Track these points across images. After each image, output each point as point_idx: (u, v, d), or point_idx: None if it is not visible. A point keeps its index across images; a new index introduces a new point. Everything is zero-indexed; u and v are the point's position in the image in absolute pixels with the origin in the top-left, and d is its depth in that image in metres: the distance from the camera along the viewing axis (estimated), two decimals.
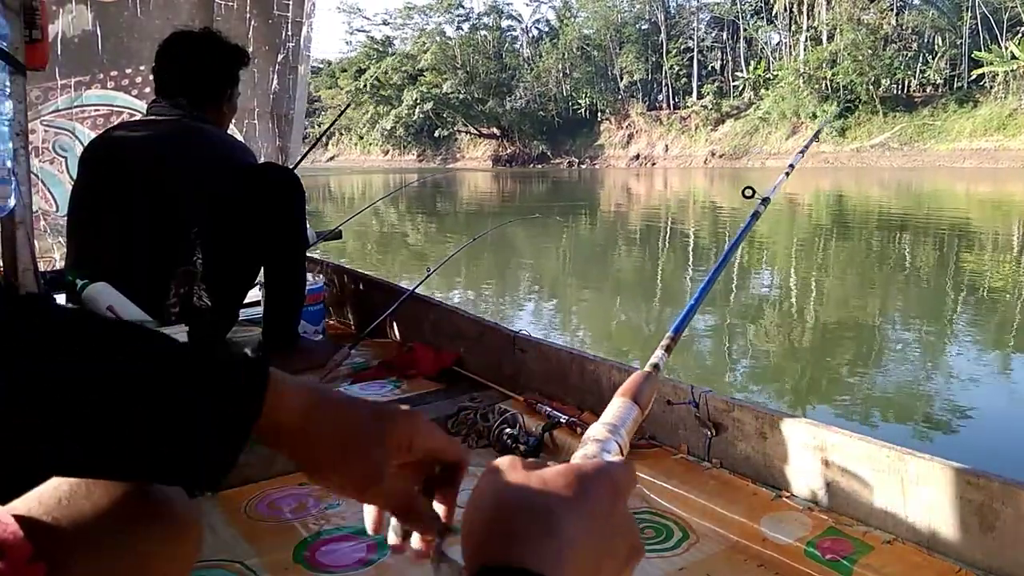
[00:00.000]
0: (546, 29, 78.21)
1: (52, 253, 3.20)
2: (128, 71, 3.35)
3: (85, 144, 2.53)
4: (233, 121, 2.65)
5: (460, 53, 74.35)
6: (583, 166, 66.15)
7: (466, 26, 78.43)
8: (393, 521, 0.63)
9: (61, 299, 2.03)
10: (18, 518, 0.65)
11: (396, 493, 0.62)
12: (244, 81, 2.49)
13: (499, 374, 2.23)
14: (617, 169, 59.77)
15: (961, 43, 53.04)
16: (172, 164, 2.18)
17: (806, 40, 57.59)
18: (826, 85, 53.60)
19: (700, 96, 64.83)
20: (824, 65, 53.36)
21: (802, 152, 1.86)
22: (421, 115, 73.80)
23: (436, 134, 76.47)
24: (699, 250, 11.80)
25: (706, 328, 6.75)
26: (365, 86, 73.55)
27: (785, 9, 60.06)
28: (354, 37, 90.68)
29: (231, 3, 3.46)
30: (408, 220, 18.39)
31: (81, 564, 0.66)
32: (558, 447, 1.86)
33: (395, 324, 2.81)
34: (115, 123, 3.16)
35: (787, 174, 1.67)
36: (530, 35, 79.09)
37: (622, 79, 69.33)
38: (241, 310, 2.53)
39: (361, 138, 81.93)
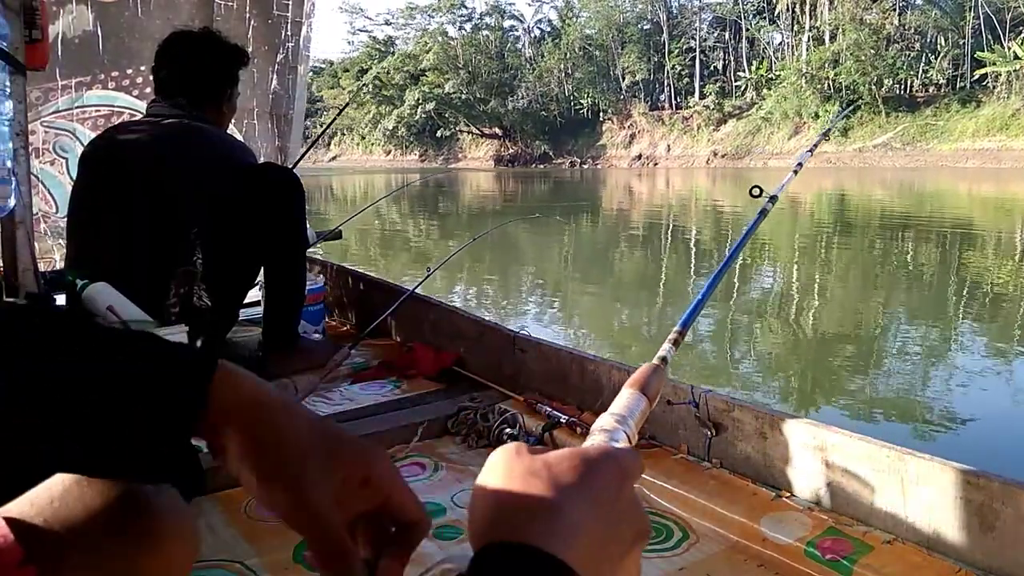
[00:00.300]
0: (548, 29, 78.26)
1: (52, 254, 3.20)
2: (129, 71, 3.34)
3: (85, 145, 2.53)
4: (233, 121, 2.65)
5: (462, 53, 74.39)
6: (585, 166, 66.14)
7: (468, 26, 78.53)
8: None
9: (61, 299, 2.03)
10: (9, 521, 0.63)
11: (323, 525, 0.55)
12: (244, 81, 2.48)
13: (499, 374, 2.23)
14: (619, 169, 59.76)
15: (964, 43, 52.97)
16: (172, 164, 2.18)
17: (808, 40, 57.57)
18: (828, 85, 53.56)
19: (702, 96, 64.83)
20: (826, 65, 53.33)
21: (811, 151, 1.86)
22: (423, 115, 73.84)
23: (438, 134, 76.50)
24: (701, 250, 11.79)
25: (708, 328, 6.74)
26: (367, 86, 73.54)
27: (787, 9, 60.04)
28: (356, 37, 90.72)
29: (231, 3, 3.46)
30: (410, 220, 18.40)
31: (73, 568, 0.65)
32: (558, 447, 1.85)
33: (395, 324, 2.81)
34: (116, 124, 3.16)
35: (795, 172, 1.67)
36: (532, 35, 79.15)
37: (624, 79, 69.31)
38: (241, 310, 2.53)
39: (363, 138, 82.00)
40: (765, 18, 65.58)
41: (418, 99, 72.33)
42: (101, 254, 2.14)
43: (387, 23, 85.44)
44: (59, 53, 3.11)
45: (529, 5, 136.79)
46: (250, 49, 3.41)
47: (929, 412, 4.40)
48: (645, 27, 70.18)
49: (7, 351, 0.59)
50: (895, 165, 45.52)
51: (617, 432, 0.59)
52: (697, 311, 0.99)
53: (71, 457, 0.63)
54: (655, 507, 1.59)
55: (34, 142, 3.07)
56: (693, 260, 10.93)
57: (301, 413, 0.59)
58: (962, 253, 10.96)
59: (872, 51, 51.81)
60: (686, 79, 67.89)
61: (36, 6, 2.00)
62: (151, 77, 2.37)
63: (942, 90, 52.71)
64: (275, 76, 3.71)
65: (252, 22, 3.54)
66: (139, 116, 2.87)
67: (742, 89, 62.92)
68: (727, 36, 67.75)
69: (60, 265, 2.91)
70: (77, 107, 3.25)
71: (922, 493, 1.33)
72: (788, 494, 1.54)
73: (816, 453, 1.49)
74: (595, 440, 0.58)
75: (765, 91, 59.10)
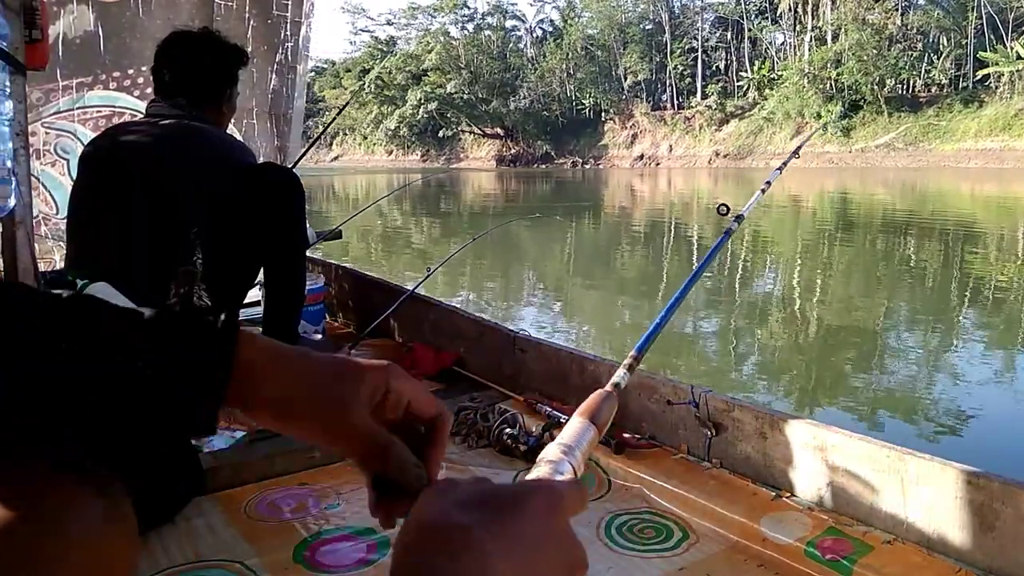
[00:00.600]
0: (550, 29, 78.27)
1: (52, 254, 3.20)
2: (130, 72, 3.34)
3: None
4: (232, 121, 2.64)
5: (464, 53, 74.42)
6: (587, 166, 66.13)
7: (470, 26, 78.55)
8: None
9: None
10: None
11: (369, 436, 0.59)
12: (243, 81, 2.48)
13: (499, 374, 2.23)
14: (621, 169, 59.76)
15: (966, 43, 52.90)
16: (171, 164, 2.18)
17: (810, 40, 57.51)
18: (831, 85, 53.53)
19: (704, 96, 64.81)
20: (829, 65, 53.30)
21: (780, 169, 1.86)
22: (425, 115, 73.86)
23: (440, 134, 76.52)
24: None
25: (709, 328, 6.74)
26: (370, 86, 73.57)
27: (789, 9, 60.01)
28: (358, 37, 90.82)
29: (231, 3, 3.45)
30: (412, 220, 18.41)
31: None
32: None
33: (395, 324, 2.81)
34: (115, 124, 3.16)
35: (763, 191, 1.69)
36: (534, 35, 79.18)
37: (626, 79, 69.29)
38: (241, 310, 2.53)
39: (365, 138, 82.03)
40: (767, 18, 65.54)
41: (420, 99, 72.34)
42: (101, 254, 2.14)
43: (389, 23, 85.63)
44: (60, 53, 3.11)
45: (531, 5, 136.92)
46: (249, 49, 3.41)
47: (931, 412, 4.39)
48: (647, 27, 70.17)
49: (7, 351, 0.59)
50: (897, 165, 45.48)
51: (563, 463, 0.59)
52: (654, 336, 1.02)
53: (71, 457, 0.63)
54: (655, 507, 1.59)
55: (35, 143, 3.07)
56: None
57: (317, 355, 0.64)
58: (964, 253, 10.95)
59: (874, 51, 51.76)
60: (688, 79, 67.86)
61: (36, 6, 2.00)
62: (152, 77, 2.37)
63: (944, 90, 52.64)
64: (274, 76, 3.71)
65: (252, 22, 3.54)
66: (140, 116, 2.87)
67: (744, 89, 62.89)
68: (729, 36, 67.69)
69: (60, 265, 2.91)
70: (78, 108, 3.25)
71: (922, 493, 1.32)
72: (788, 494, 1.54)
73: (816, 453, 1.49)
74: (540, 471, 0.58)
75: (767, 91, 59.06)
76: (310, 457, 1.76)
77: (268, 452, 1.75)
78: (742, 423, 1.63)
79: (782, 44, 64.45)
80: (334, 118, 18.36)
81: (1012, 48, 47.72)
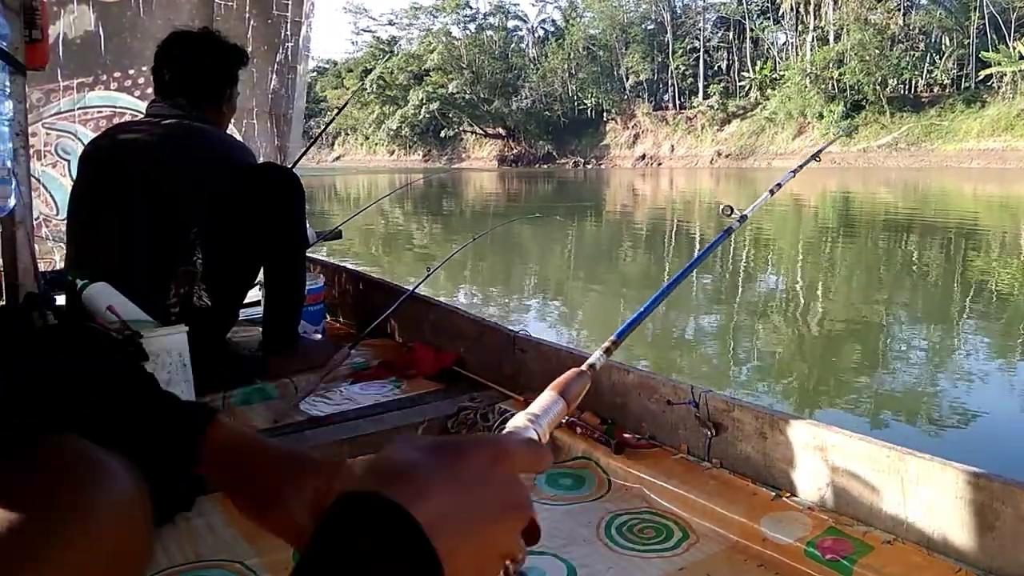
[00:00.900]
0: (552, 29, 78.26)
1: (52, 255, 3.20)
2: (131, 72, 3.34)
3: None
4: (232, 121, 2.64)
5: (466, 53, 74.43)
6: (589, 166, 66.10)
7: (472, 26, 78.56)
8: None
9: (61, 299, 2.04)
10: None
11: (297, 527, 0.65)
12: (243, 81, 2.48)
13: (499, 374, 2.22)
14: (623, 169, 59.74)
15: (968, 43, 52.82)
16: (171, 164, 2.18)
17: (813, 40, 57.47)
18: (833, 85, 53.49)
19: (706, 96, 64.77)
20: (831, 65, 53.25)
21: (793, 172, 1.86)
22: (427, 115, 73.87)
23: (442, 134, 76.54)
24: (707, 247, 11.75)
25: (710, 328, 6.74)
26: (371, 85, 73.58)
27: (792, 9, 59.97)
28: (360, 37, 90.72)
29: (231, 3, 3.45)
30: (414, 220, 18.42)
31: None
32: (558, 447, 1.86)
33: (395, 324, 2.81)
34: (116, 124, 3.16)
35: (772, 192, 1.68)
36: (536, 35, 79.16)
37: (628, 79, 69.27)
38: (241, 310, 2.53)
39: (367, 138, 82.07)
40: (769, 18, 65.49)
41: (422, 99, 72.36)
42: (101, 254, 2.14)
43: (391, 23, 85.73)
44: (60, 53, 3.11)
45: (533, 5, 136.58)
46: (250, 49, 3.41)
47: (933, 413, 4.39)
48: (649, 27, 70.15)
49: (7, 351, 0.60)
50: (899, 165, 45.43)
51: (528, 430, 0.63)
52: (636, 324, 1.06)
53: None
54: (655, 507, 1.59)
55: (35, 144, 3.06)
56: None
57: (271, 445, 0.71)
58: (966, 253, 10.94)
59: (876, 51, 51.72)
60: (690, 79, 67.84)
61: (36, 6, 2.00)
62: (152, 77, 2.37)
63: (947, 90, 52.58)
64: (275, 76, 3.70)
65: (252, 22, 3.54)
66: (140, 116, 2.88)
67: (746, 89, 62.85)
68: (731, 36, 67.65)
69: (60, 265, 2.91)
70: (79, 108, 3.24)
71: (922, 493, 1.32)
72: (788, 494, 1.53)
73: (816, 453, 1.49)
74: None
75: (769, 91, 59.01)
76: None
77: None
78: (742, 423, 1.62)
79: (784, 44, 64.42)
80: (333, 118, 18.38)
81: (1014, 48, 47.64)
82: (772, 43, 65.68)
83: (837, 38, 55.07)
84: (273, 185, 2.34)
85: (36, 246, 2.65)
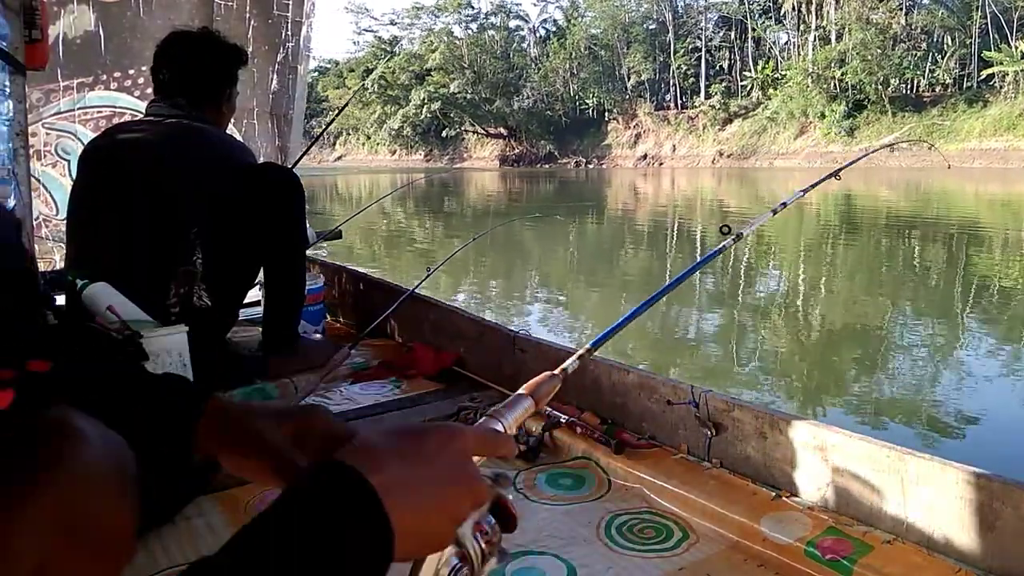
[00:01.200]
0: (553, 29, 78.23)
1: (52, 255, 3.20)
2: (131, 72, 3.33)
3: None
4: (232, 121, 2.64)
5: (468, 53, 74.42)
6: (590, 166, 66.06)
7: (474, 26, 78.53)
8: None
9: (61, 299, 2.03)
10: None
11: (288, 457, 0.70)
12: (243, 81, 2.48)
13: (499, 374, 2.22)
14: (624, 169, 59.72)
15: (971, 42, 52.76)
16: (171, 164, 2.18)
17: (815, 39, 57.36)
18: (835, 85, 53.43)
19: (708, 96, 64.71)
20: (833, 65, 53.16)
21: (804, 191, 1.86)
22: (428, 115, 73.87)
23: (443, 134, 76.54)
24: (706, 250, 11.74)
25: (711, 328, 6.74)
26: (373, 85, 73.57)
27: (793, 8, 59.88)
28: (361, 37, 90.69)
29: (231, 3, 3.45)
30: (415, 219, 18.42)
31: None
32: (558, 447, 1.86)
33: (395, 324, 2.81)
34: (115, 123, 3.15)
35: (775, 212, 1.69)
36: (537, 35, 79.12)
37: (629, 79, 69.23)
38: (241, 310, 2.53)
39: (369, 138, 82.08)
40: (771, 17, 65.39)
41: (423, 99, 72.35)
42: (101, 254, 2.14)
43: (392, 23, 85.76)
44: (60, 54, 3.10)
45: (534, 5, 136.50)
46: (250, 49, 3.41)
47: (935, 413, 4.38)
48: (650, 27, 70.10)
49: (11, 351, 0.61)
50: (901, 165, 45.35)
51: (493, 422, 0.70)
52: (612, 333, 1.14)
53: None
54: (655, 507, 1.59)
55: (35, 144, 3.06)
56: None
57: (258, 404, 0.79)
58: (969, 253, 10.93)
59: (878, 51, 51.63)
60: (691, 79, 67.79)
61: (36, 6, 2.00)
62: (151, 77, 2.37)
63: (949, 90, 52.48)
64: (275, 76, 3.70)
65: (252, 22, 3.53)
66: (140, 116, 2.88)
67: (748, 89, 62.76)
68: (733, 36, 67.57)
69: (60, 266, 2.91)
70: (79, 108, 3.24)
71: (922, 493, 1.32)
72: (788, 494, 1.53)
73: (816, 453, 1.49)
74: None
75: (771, 91, 58.92)
76: None
77: None
78: (742, 423, 1.62)
79: (786, 44, 64.34)
80: (334, 118, 18.45)
81: (1017, 47, 47.56)
82: (774, 42, 65.62)
83: (839, 37, 54.99)
84: (273, 185, 2.34)
85: (36, 246, 2.66)
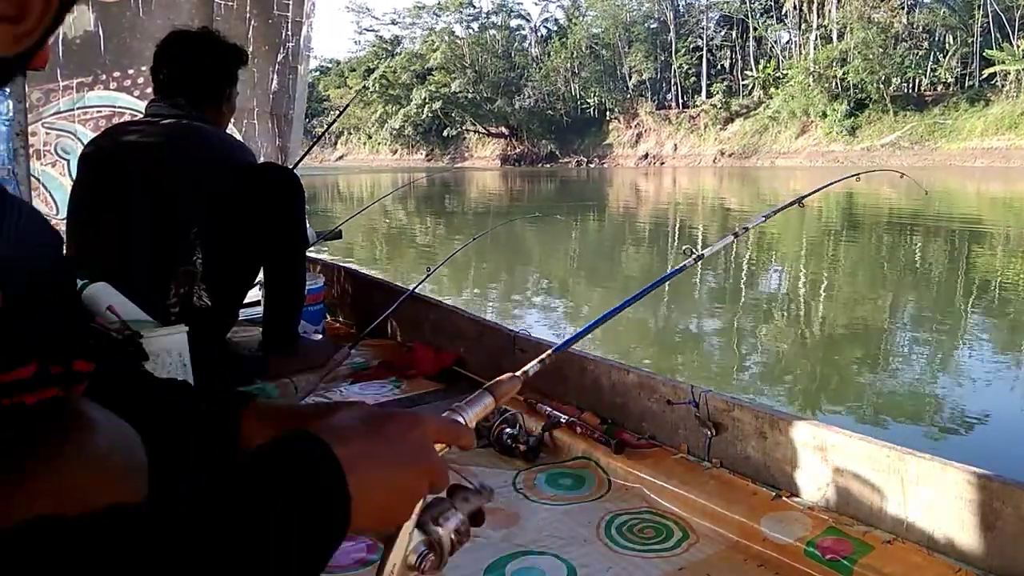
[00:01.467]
0: (555, 28, 78.16)
1: None
2: (131, 72, 3.33)
3: None
4: (232, 121, 2.64)
5: (469, 52, 74.39)
6: (592, 165, 66.00)
7: (475, 25, 78.47)
8: None
9: None
10: None
11: None
12: (243, 81, 2.48)
13: (499, 374, 2.21)
14: (626, 168, 59.67)
15: (972, 41, 52.68)
16: (171, 164, 2.18)
17: (816, 39, 57.30)
18: (836, 84, 53.36)
19: (709, 95, 64.62)
20: (834, 64, 53.08)
21: (765, 217, 1.92)
22: (430, 114, 73.83)
23: (445, 133, 76.49)
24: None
25: (712, 328, 6.73)
26: (374, 84, 73.53)
27: (795, 7, 59.80)
28: (363, 37, 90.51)
29: (231, 3, 3.44)
30: (416, 219, 18.42)
31: None
32: (558, 447, 1.86)
33: (395, 324, 2.81)
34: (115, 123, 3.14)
35: (736, 235, 1.76)
36: (539, 34, 79.05)
37: (631, 78, 69.16)
38: (241, 310, 2.53)
39: (370, 137, 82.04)
40: (772, 17, 65.31)
41: (425, 98, 72.31)
42: (101, 254, 2.14)
43: (393, 22, 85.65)
44: (60, 54, 3.10)
45: (536, 4, 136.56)
46: (250, 49, 3.40)
47: (935, 414, 4.38)
48: (652, 26, 70.04)
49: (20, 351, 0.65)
50: (903, 164, 45.35)
51: (454, 414, 0.76)
52: (574, 341, 1.23)
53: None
54: (655, 507, 1.58)
55: (35, 144, 3.05)
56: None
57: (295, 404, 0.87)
58: (970, 252, 10.92)
59: (880, 50, 51.54)
60: (693, 78, 67.73)
61: None
62: (151, 77, 2.37)
63: (950, 89, 52.40)
64: (275, 76, 3.69)
65: (252, 22, 3.53)
66: (140, 116, 2.87)
67: (749, 88, 62.69)
68: (734, 35, 67.51)
69: None
70: (79, 108, 3.23)
71: (922, 493, 1.32)
72: (788, 494, 1.53)
73: (816, 453, 1.48)
74: None
75: (772, 90, 58.83)
76: None
77: None
78: (742, 423, 1.62)
79: (787, 43, 64.28)
80: (336, 118, 18.42)
81: (1018, 46, 47.47)
82: (775, 42, 65.55)
83: (840, 36, 54.89)
84: (273, 185, 2.34)
85: None
